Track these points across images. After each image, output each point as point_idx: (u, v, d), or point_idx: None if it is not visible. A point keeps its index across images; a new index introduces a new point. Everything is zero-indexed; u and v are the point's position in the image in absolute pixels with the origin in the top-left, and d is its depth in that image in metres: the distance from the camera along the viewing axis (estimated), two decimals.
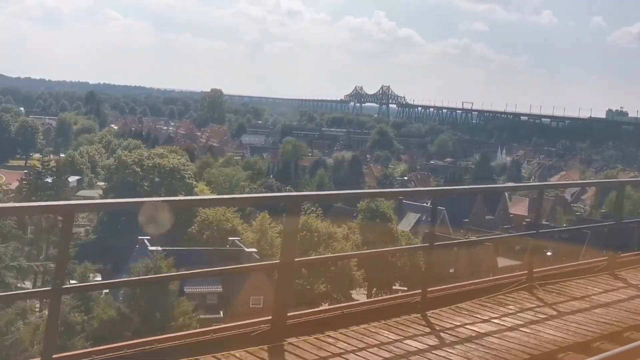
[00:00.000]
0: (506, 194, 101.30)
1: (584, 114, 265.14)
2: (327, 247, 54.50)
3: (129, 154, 71.00)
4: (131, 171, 66.55)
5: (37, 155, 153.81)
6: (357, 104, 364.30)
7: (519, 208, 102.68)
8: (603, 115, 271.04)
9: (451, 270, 62.78)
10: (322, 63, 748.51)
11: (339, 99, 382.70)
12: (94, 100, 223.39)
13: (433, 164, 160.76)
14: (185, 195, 63.60)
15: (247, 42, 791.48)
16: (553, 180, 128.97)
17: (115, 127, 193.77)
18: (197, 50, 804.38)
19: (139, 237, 51.91)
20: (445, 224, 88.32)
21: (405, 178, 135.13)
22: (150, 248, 47.93)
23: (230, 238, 55.10)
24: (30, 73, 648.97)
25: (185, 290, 48.50)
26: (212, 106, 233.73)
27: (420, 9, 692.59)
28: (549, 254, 74.05)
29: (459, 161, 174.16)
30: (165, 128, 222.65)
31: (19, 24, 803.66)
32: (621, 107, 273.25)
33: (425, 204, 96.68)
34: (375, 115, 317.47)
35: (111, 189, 67.43)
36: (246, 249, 50.66)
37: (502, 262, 62.79)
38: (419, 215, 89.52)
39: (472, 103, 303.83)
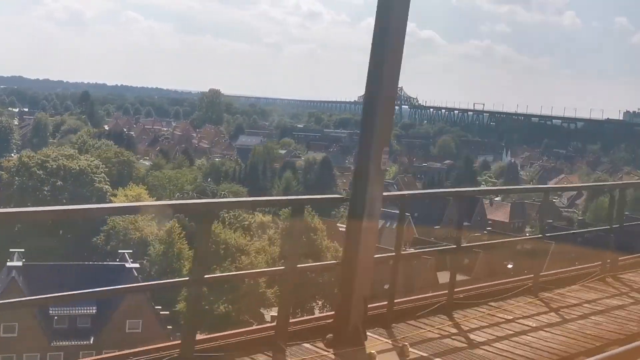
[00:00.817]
0: (483, 199, 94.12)
1: (596, 115, 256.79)
2: (234, 262, 47.74)
3: (33, 154, 64.56)
4: (33, 173, 60.25)
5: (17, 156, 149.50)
6: None
7: (500, 214, 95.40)
8: (621, 117, 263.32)
9: (385, 287, 55.85)
10: (342, 64, 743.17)
11: (353, 100, 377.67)
12: (88, 101, 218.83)
13: (426, 166, 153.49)
14: (97, 201, 57.23)
15: (267, 43, 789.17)
16: (551, 184, 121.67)
17: (107, 128, 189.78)
18: (217, 52, 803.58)
19: (12, 250, 45.49)
20: (410, 231, 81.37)
21: (392, 181, 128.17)
22: (9, 264, 41.50)
23: (120, 251, 48.49)
24: (49, 75, 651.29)
25: (50, 312, 42.06)
26: (210, 106, 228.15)
27: (442, 11, 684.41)
28: (509, 266, 67.06)
29: (459, 163, 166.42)
30: (166, 129, 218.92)
31: (43, 26, 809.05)
32: (639, 109, 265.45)
33: (390, 210, 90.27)
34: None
35: (11, 195, 60.79)
36: (127, 265, 43.99)
37: (447, 276, 55.57)
38: (383, 221, 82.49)
39: (484, 104, 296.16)
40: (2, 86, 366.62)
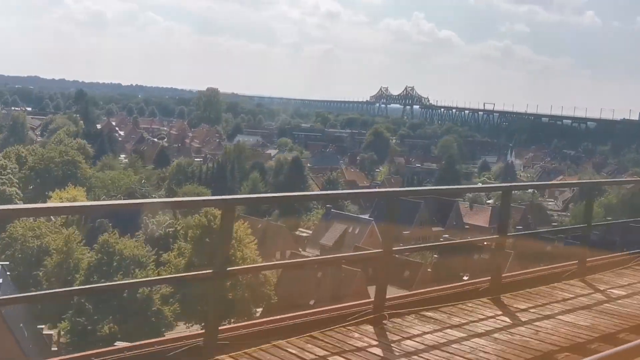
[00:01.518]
0: (460, 203, 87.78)
1: (607, 115, 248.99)
2: (126, 275, 41.91)
3: None
4: None
5: None
6: (383, 105, 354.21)
7: (479, 218, 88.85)
8: (636, 117, 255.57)
9: (311, 302, 49.80)
10: (359, 65, 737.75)
11: (364, 100, 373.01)
12: (82, 100, 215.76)
13: (420, 167, 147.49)
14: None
15: (285, 44, 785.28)
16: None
17: (99, 127, 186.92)
18: (235, 52, 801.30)
19: None
20: (374, 236, 75.33)
21: (379, 182, 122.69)
22: None
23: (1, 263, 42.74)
24: (66, 75, 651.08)
25: None
26: (208, 106, 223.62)
27: (461, 11, 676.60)
28: (465, 278, 60.76)
29: (459, 164, 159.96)
30: (165, 128, 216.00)
31: (62, 27, 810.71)
32: None
33: (352, 214, 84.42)
34: (406, 117, 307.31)
35: None
36: None
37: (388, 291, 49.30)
38: (346, 226, 76.64)
39: (494, 104, 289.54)
40: (17, 86, 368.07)
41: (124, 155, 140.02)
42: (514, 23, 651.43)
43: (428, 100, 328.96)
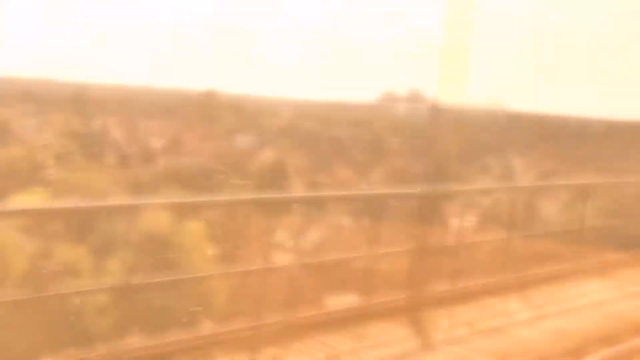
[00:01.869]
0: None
1: (612, 116, 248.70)
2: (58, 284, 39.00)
3: None
4: None
5: None
6: (388, 106, 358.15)
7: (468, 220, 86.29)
8: None
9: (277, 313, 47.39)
10: (365, 66, 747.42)
11: (370, 100, 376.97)
12: (80, 100, 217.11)
13: (417, 168, 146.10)
14: None
15: (292, 44, 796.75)
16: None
17: (96, 127, 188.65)
18: (242, 53, 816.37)
19: None
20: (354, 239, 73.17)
21: (371, 184, 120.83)
22: None
23: None
24: (73, 76, 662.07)
25: None
26: (206, 106, 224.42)
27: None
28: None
29: (457, 165, 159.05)
30: (165, 129, 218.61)
31: (70, 28, 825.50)
32: None
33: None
34: (412, 118, 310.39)
35: None
36: None
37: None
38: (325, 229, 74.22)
39: (500, 104, 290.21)
40: (23, 87, 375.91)
41: (116, 157, 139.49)
42: (522, 22, 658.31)
43: (433, 101, 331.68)
